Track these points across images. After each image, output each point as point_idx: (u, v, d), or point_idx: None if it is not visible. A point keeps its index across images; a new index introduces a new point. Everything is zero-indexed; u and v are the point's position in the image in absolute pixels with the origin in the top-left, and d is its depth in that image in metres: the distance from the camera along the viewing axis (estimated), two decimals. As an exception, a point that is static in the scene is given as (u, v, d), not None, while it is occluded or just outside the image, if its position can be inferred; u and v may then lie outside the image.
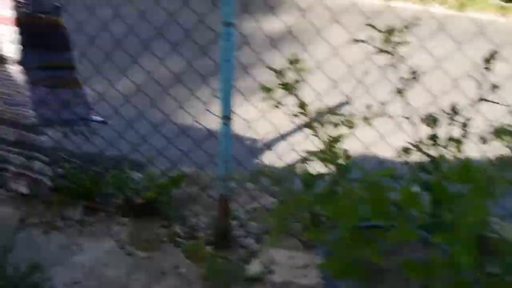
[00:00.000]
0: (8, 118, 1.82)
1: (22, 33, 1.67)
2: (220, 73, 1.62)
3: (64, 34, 1.86)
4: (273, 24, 2.69)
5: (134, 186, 1.97)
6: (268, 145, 2.53)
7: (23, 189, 1.99)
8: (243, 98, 2.08)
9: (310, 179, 1.36)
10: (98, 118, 2.05)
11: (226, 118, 1.65)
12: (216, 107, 1.72)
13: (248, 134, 2.25)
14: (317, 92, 1.81)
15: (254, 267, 1.70)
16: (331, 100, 1.79)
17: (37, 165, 1.90)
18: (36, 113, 1.78)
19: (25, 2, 1.70)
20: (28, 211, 2.00)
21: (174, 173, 2.02)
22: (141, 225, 1.92)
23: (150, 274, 1.71)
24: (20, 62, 1.70)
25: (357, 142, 1.65)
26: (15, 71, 1.71)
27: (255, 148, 2.54)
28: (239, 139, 2.13)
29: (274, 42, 2.06)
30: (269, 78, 1.49)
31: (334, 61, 1.93)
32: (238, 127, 1.84)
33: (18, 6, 1.64)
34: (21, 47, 1.67)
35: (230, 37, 1.56)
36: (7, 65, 1.72)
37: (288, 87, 1.40)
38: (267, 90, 1.42)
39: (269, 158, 2.10)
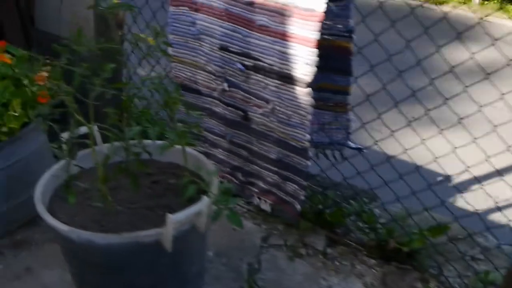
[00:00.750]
0: (278, 137, 1.76)
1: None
2: None
3: (348, 58, 1.76)
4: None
5: (383, 225, 1.84)
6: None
7: (266, 207, 1.95)
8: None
9: None
10: (354, 145, 1.94)
11: None
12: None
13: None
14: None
15: None
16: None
17: (290, 186, 1.83)
18: (311, 136, 1.70)
19: (327, 24, 1.61)
20: (268, 230, 1.95)
21: (427, 219, 1.85)
22: (392, 272, 1.78)
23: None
24: (309, 85, 1.62)
25: None
26: (302, 92, 1.64)
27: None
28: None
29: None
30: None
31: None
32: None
33: (322, 28, 1.54)
34: (316, 69, 1.59)
35: None
36: (294, 86, 1.64)
37: None
38: None
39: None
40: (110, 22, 1.98)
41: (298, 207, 1.83)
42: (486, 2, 6.06)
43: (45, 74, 1.88)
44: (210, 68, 1.84)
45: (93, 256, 1.36)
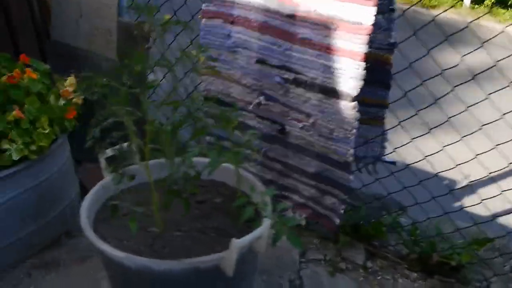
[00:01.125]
0: (317, 151, 1.72)
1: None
2: None
3: (388, 71, 1.73)
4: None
5: (426, 240, 1.82)
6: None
7: (302, 221, 1.91)
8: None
9: None
10: (388, 159, 1.91)
11: None
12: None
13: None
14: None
15: None
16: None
17: (329, 200, 1.79)
18: (354, 151, 1.67)
19: (372, 37, 1.58)
20: (305, 244, 1.92)
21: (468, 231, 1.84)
22: (436, 285, 1.76)
23: None
24: (355, 99, 1.58)
25: None
26: (346, 107, 1.60)
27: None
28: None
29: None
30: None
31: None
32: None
33: (370, 41, 1.51)
34: (362, 83, 1.56)
35: None
36: (338, 100, 1.61)
37: None
38: None
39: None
40: (136, 34, 1.92)
41: (337, 220, 1.79)
42: (476, 6, 6.15)
43: (70, 88, 1.81)
44: (245, 82, 1.79)
45: (147, 282, 1.30)
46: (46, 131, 1.65)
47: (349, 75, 1.56)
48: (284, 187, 1.89)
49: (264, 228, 1.27)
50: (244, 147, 1.35)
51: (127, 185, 1.52)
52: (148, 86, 1.34)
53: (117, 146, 1.44)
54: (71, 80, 1.81)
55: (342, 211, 1.78)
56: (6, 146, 1.59)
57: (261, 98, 1.78)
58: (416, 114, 1.83)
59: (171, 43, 1.92)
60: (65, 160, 1.86)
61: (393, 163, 1.92)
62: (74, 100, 1.80)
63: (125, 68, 1.34)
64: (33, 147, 1.66)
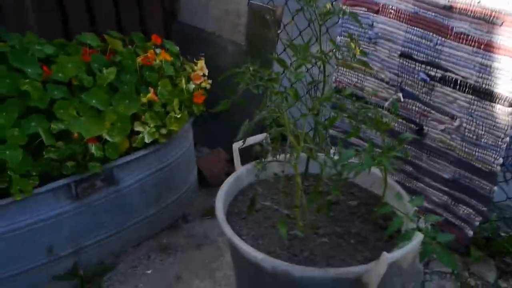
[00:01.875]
0: (458, 156, 1.58)
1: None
2: None
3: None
4: None
5: None
6: None
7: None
8: None
9: None
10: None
11: None
12: None
13: None
14: None
15: None
16: None
17: (463, 210, 1.65)
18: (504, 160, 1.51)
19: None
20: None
21: None
22: None
23: None
24: (512, 104, 1.42)
25: None
26: (501, 111, 1.44)
27: None
28: None
29: None
30: None
31: None
32: None
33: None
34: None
35: None
36: (492, 103, 1.45)
37: None
38: None
39: None
40: (268, 18, 1.84)
41: (471, 232, 1.65)
42: None
43: (200, 72, 1.78)
44: (383, 76, 1.67)
45: (282, 286, 1.24)
46: (178, 116, 1.63)
47: (510, 77, 1.39)
48: (413, 190, 1.76)
49: (415, 243, 1.17)
50: (395, 151, 1.25)
51: (257, 179, 1.47)
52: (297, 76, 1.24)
53: (258, 139, 1.39)
54: (201, 63, 1.78)
55: (477, 223, 1.63)
56: (139, 128, 1.59)
57: (400, 94, 1.65)
58: None
59: (304, 29, 1.83)
60: (189, 145, 1.85)
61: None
62: (203, 84, 1.77)
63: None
64: (164, 131, 1.64)
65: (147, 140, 1.59)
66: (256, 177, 1.38)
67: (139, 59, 1.64)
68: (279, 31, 1.84)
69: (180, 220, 1.92)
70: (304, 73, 1.23)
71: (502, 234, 1.76)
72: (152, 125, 1.60)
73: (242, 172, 1.46)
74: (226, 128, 2.09)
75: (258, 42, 1.91)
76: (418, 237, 1.17)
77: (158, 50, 1.73)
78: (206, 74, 1.79)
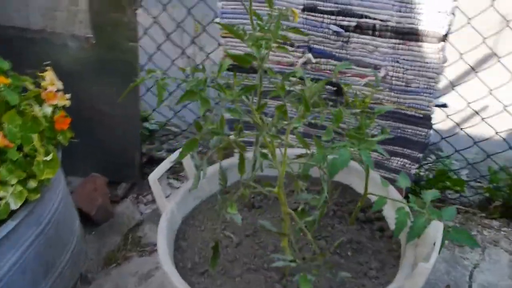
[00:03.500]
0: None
1: None
2: None
3: None
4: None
5: None
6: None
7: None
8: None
9: None
10: (439, 102, 1.66)
11: None
12: None
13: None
14: None
15: None
16: None
17: (396, 162, 1.52)
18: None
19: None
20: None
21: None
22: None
23: None
24: (443, 38, 1.28)
25: None
26: (431, 49, 1.29)
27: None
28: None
29: None
30: None
31: None
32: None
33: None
34: (453, 17, 1.25)
35: None
36: (420, 43, 1.28)
37: None
38: None
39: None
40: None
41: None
42: None
43: (52, 88, 1.30)
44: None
45: None
46: (49, 157, 1.16)
47: (434, 10, 1.24)
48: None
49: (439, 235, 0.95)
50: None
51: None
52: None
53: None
54: (49, 75, 1.29)
55: (414, 171, 1.53)
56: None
57: (309, 55, 1.40)
58: None
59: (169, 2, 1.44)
60: (62, 186, 1.37)
61: (445, 105, 1.67)
62: (60, 102, 1.29)
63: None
64: (33, 183, 1.16)
65: (14, 206, 1.10)
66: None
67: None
68: (136, 10, 1.42)
69: (79, 284, 1.46)
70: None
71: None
72: (14, 182, 1.11)
73: (172, 209, 1.09)
74: (91, 143, 1.64)
75: (110, 30, 1.46)
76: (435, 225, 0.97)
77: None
78: (60, 88, 1.31)
